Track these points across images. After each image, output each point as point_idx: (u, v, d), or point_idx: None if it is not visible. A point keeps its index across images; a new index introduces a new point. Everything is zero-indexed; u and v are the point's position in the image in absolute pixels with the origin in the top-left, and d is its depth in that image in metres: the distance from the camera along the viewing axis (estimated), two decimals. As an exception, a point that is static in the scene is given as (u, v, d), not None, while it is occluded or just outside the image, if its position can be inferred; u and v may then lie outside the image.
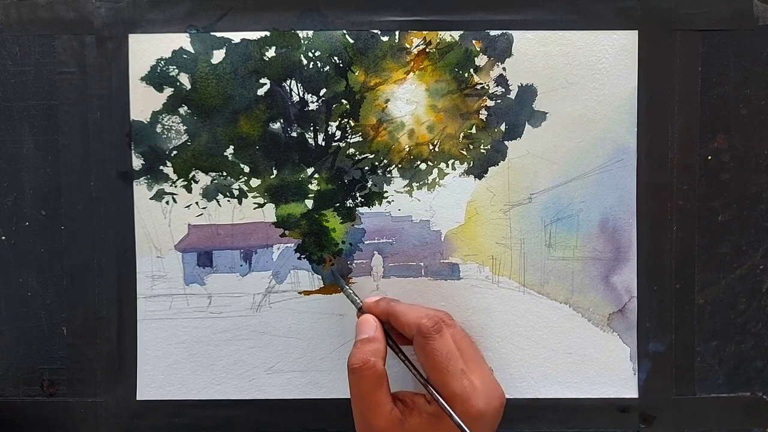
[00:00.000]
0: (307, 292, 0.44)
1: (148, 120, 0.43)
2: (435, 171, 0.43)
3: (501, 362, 0.44)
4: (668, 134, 0.43)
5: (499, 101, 0.43)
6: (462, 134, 0.43)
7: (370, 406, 0.37)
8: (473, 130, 0.43)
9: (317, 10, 0.43)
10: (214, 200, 0.44)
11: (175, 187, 0.43)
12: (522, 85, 0.43)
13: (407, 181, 0.43)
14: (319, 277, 0.44)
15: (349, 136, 0.43)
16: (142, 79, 0.43)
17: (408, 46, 0.43)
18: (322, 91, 0.43)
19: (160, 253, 0.44)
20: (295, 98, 0.43)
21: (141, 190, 0.43)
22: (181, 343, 0.44)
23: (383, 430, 0.37)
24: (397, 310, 0.39)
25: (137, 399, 0.44)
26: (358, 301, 0.41)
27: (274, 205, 0.44)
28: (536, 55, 0.43)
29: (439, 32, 0.43)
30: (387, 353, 0.38)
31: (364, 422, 0.38)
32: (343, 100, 0.43)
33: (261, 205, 0.44)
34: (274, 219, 0.44)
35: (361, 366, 0.37)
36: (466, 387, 0.36)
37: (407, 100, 0.43)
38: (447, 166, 0.43)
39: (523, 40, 0.43)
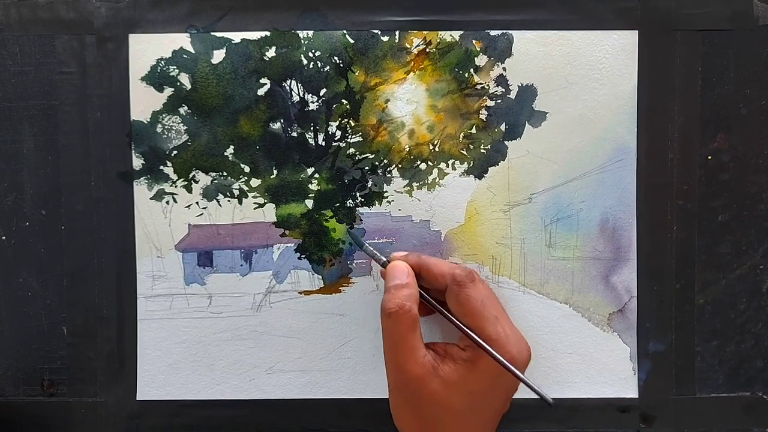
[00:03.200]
0: (307, 292, 0.44)
1: (149, 120, 0.43)
2: (435, 171, 0.43)
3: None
4: (668, 134, 0.43)
5: (499, 101, 0.43)
6: (462, 134, 0.43)
7: (403, 351, 0.37)
8: (473, 130, 0.43)
9: (317, 10, 0.43)
10: (215, 200, 0.44)
11: (176, 187, 0.43)
12: (522, 85, 0.43)
13: (407, 181, 0.43)
14: (320, 277, 0.44)
15: (349, 136, 0.43)
16: (143, 79, 0.43)
17: (408, 46, 0.43)
18: (322, 91, 0.43)
19: (160, 253, 0.44)
20: (296, 98, 0.43)
21: (141, 190, 0.43)
22: (181, 342, 0.44)
23: (417, 376, 0.36)
24: (429, 262, 0.39)
25: (137, 399, 0.44)
26: (382, 258, 0.41)
27: (274, 205, 0.44)
28: (536, 55, 0.43)
29: (439, 32, 0.43)
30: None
31: (397, 370, 0.37)
32: (343, 100, 0.43)
33: (261, 205, 0.44)
34: (274, 219, 0.44)
35: (397, 310, 0.37)
36: (500, 332, 0.36)
37: (407, 100, 0.43)
38: (447, 166, 0.43)
39: (523, 40, 0.43)
